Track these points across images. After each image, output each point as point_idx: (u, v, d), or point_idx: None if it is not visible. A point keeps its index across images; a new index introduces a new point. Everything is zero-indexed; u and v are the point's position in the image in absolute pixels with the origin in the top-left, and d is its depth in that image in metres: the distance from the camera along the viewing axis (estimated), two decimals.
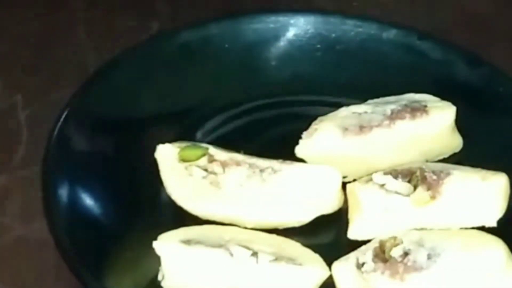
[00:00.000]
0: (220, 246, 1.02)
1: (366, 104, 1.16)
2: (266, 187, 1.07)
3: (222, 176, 1.07)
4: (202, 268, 1.02)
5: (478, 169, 1.08)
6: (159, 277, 1.05)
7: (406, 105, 1.13)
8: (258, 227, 1.10)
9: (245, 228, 1.10)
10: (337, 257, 1.05)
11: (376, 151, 1.12)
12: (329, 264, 1.04)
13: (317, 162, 1.12)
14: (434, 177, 1.04)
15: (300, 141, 1.13)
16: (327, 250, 1.08)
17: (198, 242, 1.02)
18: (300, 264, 1.01)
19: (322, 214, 1.11)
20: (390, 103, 1.15)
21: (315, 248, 1.08)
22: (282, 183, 1.07)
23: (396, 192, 1.04)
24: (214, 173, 1.06)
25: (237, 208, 1.10)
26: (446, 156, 1.17)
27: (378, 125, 1.11)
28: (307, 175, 1.07)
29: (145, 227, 1.10)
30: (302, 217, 1.11)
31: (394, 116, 1.11)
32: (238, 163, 1.07)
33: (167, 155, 1.08)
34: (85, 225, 1.07)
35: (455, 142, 1.17)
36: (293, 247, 1.05)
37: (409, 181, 1.06)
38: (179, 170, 1.08)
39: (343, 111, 1.16)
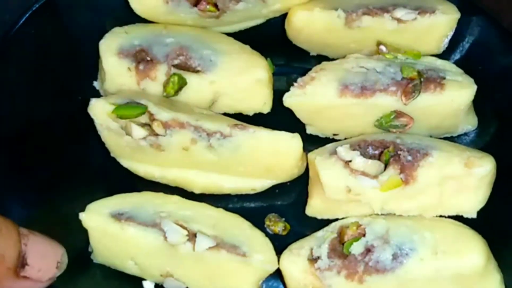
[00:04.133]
0: (154, 224, 0.81)
1: (378, 59, 0.90)
2: (215, 153, 0.84)
3: (163, 139, 0.83)
4: (132, 248, 0.81)
5: (464, 148, 0.84)
6: (90, 249, 0.86)
7: (420, 72, 0.87)
8: (207, 192, 0.90)
9: (192, 192, 0.89)
10: (292, 239, 0.85)
11: (375, 116, 0.88)
12: (281, 248, 0.83)
13: (304, 114, 0.90)
14: (409, 157, 0.81)
15: (292, 88, 0.88)
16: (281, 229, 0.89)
17: (130, 217, 0.82)
18: (244, 254, 0.80)
19: (280, 182, 0.89)
20: (405, 64, 0.88)
21: (268, 224, 0.89)
22: (232, 149, 0.84)
23: (363, 173, 0.81)
24: (155, 134, 0.83)
25: (181, 172, 0.88)
26: (454, 135, 0.93)
27: (383, 90, 0.86)
28: (262, 142, 0.84)
29: (84, 187, 0.90)
30: (256, 185, 0.89)
31: (404, 83, 0.86)
32: (181, 125, 0.83)
33: (101, 110, 0.84)
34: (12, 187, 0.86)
35: (468, 122, 0.92)
36: (241, 228, 0.83)
37: (379, 156, 0.83)
38: (115, 128, 0.84)
39: (351, 61, 0.90)
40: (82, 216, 0.82)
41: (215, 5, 0.91)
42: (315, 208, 0.86)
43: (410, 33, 0.91)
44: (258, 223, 0.87)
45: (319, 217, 0.87)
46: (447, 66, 0.91)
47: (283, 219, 0.90)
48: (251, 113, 0.93)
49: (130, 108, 0.83)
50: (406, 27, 0.90)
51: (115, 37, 0.91)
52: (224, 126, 0.84)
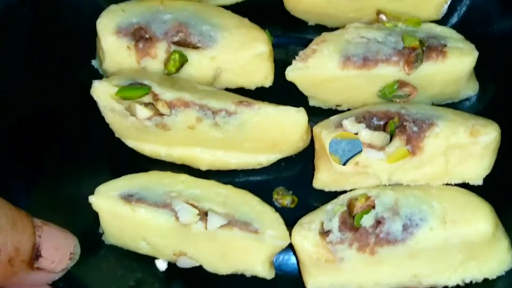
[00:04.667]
0: (165, 205, 0.80)
1: (379, 29, 0.88)
2: (220, 131, 0.83)
3: (168, 119, 0.82)
4: (144, 229, 0.81)
5: (467, 116, 0.84)
6: (100, 231, 0.85)
7: (422, 41, 0.85)
8: (213, 168, 0.89)
9: (199, 170, 0.88)
10: (300, 211, 0.85)
11: (378, 86, 0.87)
12: (291, 222, 0.83)
13: (307, 87, 0.89)
14: (415, 128, 0.80)
15: (294, 62, 0.87)
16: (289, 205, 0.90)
17: (140, 199, 0.81)
18: (256, 231, 0.80)
19: (286, 156, 0.89)
20: (405, 33, 0.87)
21: (276, 197, 0.89)
22: (238, 126, 0.83)
23: (370, 145, 0.80)
24: (160, 114, 0.82)
25: (187, 150, 0.88)
26: (456, 101, 0.92)
27: (385, 61, 0.85)
28: (267, 118, 0.83)
29: (90, 169, 0.90)
30: (262, 160, 0.89)
31: (406, 53, 0.85)
32: (186, 104, 0.82)
33: (104, 92, 0.82)
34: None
35: (469, 88, 0.91)
36: (250, 204, 0.83)
37: (384, 127, 0.82)
38: (120, 109, 0.83)
39: (351, 31, 0.88)
40: (92, 199, 0.82)
41: None
42: (322, 181, 0.86)
43: (410, 0, 0.90)
44: (266, 197, 0.87)
45: (326, 189, 0.87)
46: (447, 32, 0.90)
47: (291, 192, 0.90)
48: (253, 88, 0.91)
49: (134, 89, 0.81)
50: None
51: (112, 15, 0.89)
52: (229, 103, 0.82)
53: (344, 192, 0.84)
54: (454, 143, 0.80)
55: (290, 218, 0.84)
